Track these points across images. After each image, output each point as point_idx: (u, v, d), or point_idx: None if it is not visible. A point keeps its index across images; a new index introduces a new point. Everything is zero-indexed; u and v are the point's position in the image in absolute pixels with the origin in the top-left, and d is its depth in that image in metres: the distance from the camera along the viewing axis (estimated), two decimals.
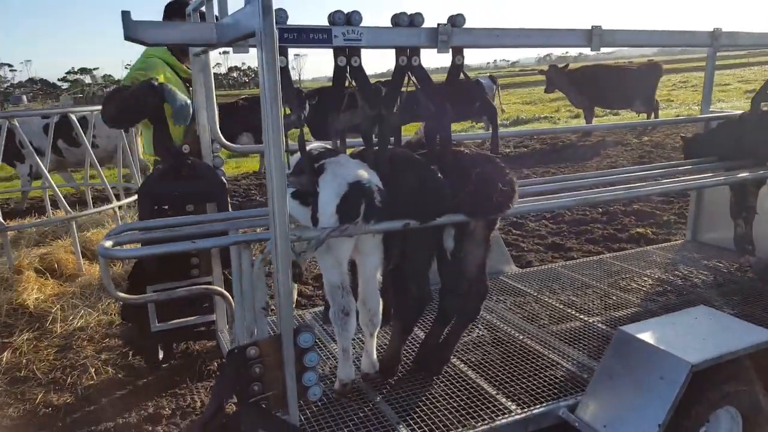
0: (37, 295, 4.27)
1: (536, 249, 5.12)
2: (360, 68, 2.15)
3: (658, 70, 11.96)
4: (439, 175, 2.16)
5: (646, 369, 2.02)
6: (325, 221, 1.97)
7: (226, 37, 1.80)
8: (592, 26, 2.33)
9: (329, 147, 2.40)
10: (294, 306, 2.48)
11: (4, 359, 3.53)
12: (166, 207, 2.48)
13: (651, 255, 4.07)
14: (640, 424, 1.94)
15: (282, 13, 1.93)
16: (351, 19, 2.01)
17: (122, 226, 2.17)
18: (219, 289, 2.55)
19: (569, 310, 3.14)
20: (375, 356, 2.41)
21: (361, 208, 1.90)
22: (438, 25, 2.12)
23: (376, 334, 2.36)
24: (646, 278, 3.60)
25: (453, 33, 2.14)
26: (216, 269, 2.76)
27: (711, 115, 3.59)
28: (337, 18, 2.00)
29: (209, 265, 2.72)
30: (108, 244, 1.91)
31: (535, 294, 3.39)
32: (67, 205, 5.00)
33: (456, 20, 2.13)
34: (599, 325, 2.94)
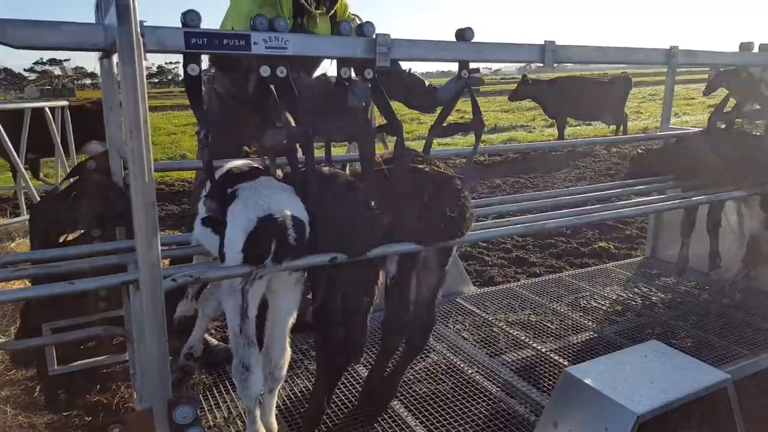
0: None
1: (500, 263, 4.96)
2: (287, 79, 1.94)
3: (629, 83, 12.07)
4: (372, 201, 1.94)
5: (591, 417, 1.86)
6: (231, 260, 1.71)
7: (111, 40, 1.56)
8: (545, 41, 2.16)
9: (254, 164, 2.16)
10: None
11: None
12: (64, 233, 2.15)
13: (611, 273, 3.95)
14: None
15: (193, 15, 1.72)
16: (275, 24, 1.81)
17: None
18: (120, 330, 2.23)
19: (523, 337, 2.98)
20: (273, 418, 2.06)
21: (272, 247, 1.65)
22: (377, 35, 1.93)
23: (276, 390, 2.02)
24: (604, 299, 3.47)
25: (394, 44, 1.95)
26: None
27: (669, 132, 3.48)
28: (259, 23, 1.79)
29: (119, 297, 2.41)
30: None
31: (490, 318, 3.22)
32: None
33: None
34: (552, 355, 2.78)
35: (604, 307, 3.34)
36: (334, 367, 2.13)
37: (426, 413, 2.32)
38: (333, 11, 2.77)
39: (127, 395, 2.99)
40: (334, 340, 2.04)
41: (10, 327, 3.85)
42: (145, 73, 1.49)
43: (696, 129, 3.59)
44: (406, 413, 2.33)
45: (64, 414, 2.91)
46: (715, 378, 1.94)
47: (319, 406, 2.18)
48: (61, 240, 2.19)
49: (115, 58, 2.08)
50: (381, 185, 1.97)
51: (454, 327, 3.12)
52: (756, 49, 2.84)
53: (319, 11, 2.66)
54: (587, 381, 1.91)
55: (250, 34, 1.77)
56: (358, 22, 2.85)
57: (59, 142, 5.91)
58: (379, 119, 2.18)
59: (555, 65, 2.29)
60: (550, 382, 2.52)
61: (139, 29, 1.35)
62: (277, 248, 1.65)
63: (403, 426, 2.24)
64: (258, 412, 1.93)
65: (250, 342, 1.78)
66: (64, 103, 6.18)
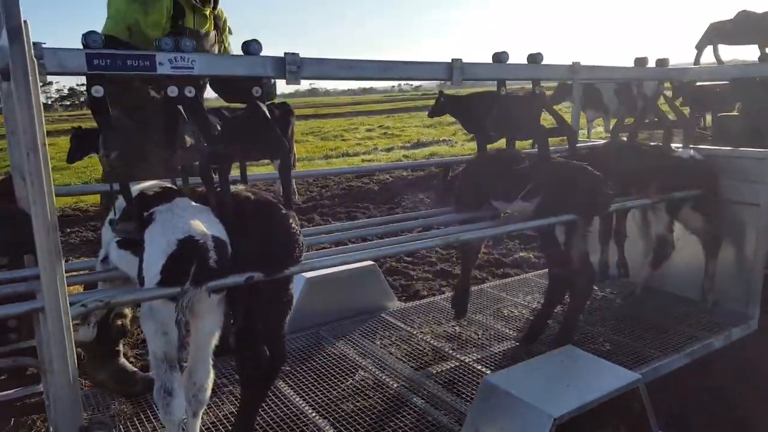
0: None
1: (425, 277, 5.04)
2: (195, 99, 1.90)
3: (543, 97, 12.58)
4: (292, 220, 1.94)
5: (510, 422, 1.92)
6: (150, 283, 1.67)
7: (3, 64, 1.48)
8: (452, 59, 2.25)
9: (167, 185, 2.10)
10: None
11: None
12: None
13: (531, 282, 4.11)
14: None
15: (95, 36, 1.66)
16: (180, 45, 1.78)
17: None
18: (31, 360, 2.11)
19: (447, 349, 3.03)
20: None
21: (191, 270, 1.61)
22: (285, 54, 1.94)
23: (200, 414, 1.95)
24: (525, 308, 3.60)
25: (303, 63, 1.96)
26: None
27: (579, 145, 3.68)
28: (164, 44, 1.75)
29: (31, 327, 2.27)
30: None
31: (414, 331, 3.26)
32: None
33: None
34: (475, 365, 2.84)
35: (525, 316, 3.46)
36: (258, 386, 2.08)
37: (353, 430, 2.30)
38: (216, 10, 2.71)
39: (44, 429, 2.80)
40: (257, 360, 2.01)
41: None
42: (41, 94, 1.43)
43: (602, 141, 3.85)
44: (327, 426, 2.31)
45: None
46: (627, 379, 2.06)
47: (247, 428, 2.12)
48: None
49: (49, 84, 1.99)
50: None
51: (380, 342, 3.13)
52: (651, 64, 3.08)
53: (206, 9, 2.59)
54: (505, 387, 1.97)
55: (155, 54, 1.73)
56: (230, 34, 2.87)
57: None
58: None
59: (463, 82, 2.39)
60: (474, 392, 2.57)
61: (32, 51, 1.29)
62: (197, 270, 1.62)
63: None
64: None
65: (173, 366, 1.74)
66: None
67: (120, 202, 1.90)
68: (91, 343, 2.24)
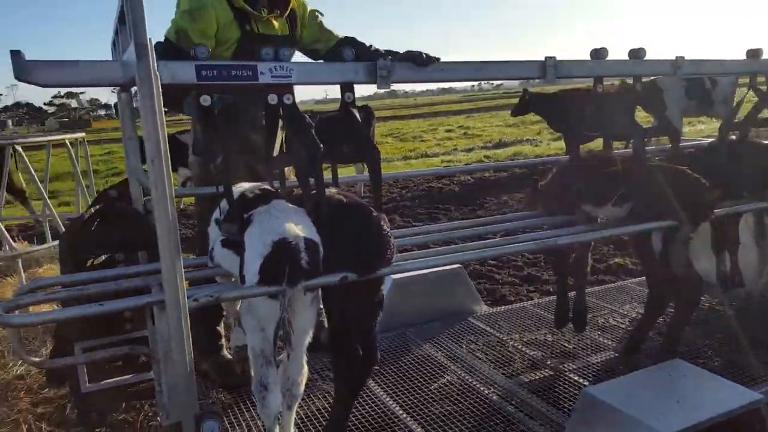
0: None
1: (511, 282, 4.91)
2: (293, 106, 1.97)
3: (639, 94, 11.85)
4: (383, 222, 1.95)
5: None
6: (249, 282, 1.76)
7: (130, 76, 1.60)
8: (546, 57, 2.18)
9: (266, 187, 2.19)
10: None
11: None
12: (91, 258, 2.24)
13: (629, 290, 3.89)
14: None
15: (202, 49, 1.76)
16: (279, 54, 1.85)
17: (29, 284, 1.94)
18: (145, 349, 2.29)
19: (540, 357, 2.93)
20: None
21: (286, 270, 1.68)
22: (377, 60, 1.97)
23: (294, 407, 2.02)
24: (623, 317, 3.41)
25: (394, 68, 1.98)
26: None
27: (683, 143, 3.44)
28: (265, 54, 1.83)
29: (143, 318, 2.48)
30: (2, 309, 1.67)
31: (504, 337, 3.18)
32: (11, 241, 4.70)
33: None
34: (571, 375, 2.73)
35: (623, 326, 3.28)
36: (351, 385, 2.12)
37: None
38: (289, 11, 2.73)
39: (151, 413, 3.02)
40: (350, 359, 2.05)
41: (41, 348, 3.94)
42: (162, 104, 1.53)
43: (708, 140, 3.56)
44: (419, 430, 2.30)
45: (96, 431, 2.97)
46: (748, 398, 1.89)
47: (340, 424, 2.16)
48: (88, 264, 2.27)
49: (133, 91, 2.16)
50: None
51: (468, 347, 3.08)
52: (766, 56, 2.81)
53: (274, 15, 2.64)
54: (608, 400, 1.87)
55: (257, 64, 1.82)
56: (320, 18, 2.88)
57: (79, 172, 6.03)
58: None
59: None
60: (571, 403, 2.47)
61: (156, 65, 1.39)
62: (291, 271, 1.68)
63: None
64: (277, 430, 1.95)
65: (269, 361, 1.84)
66: (82, 134, 6.35)
67: (224, 203, 2.01)
68: (197, 335, 2.40)
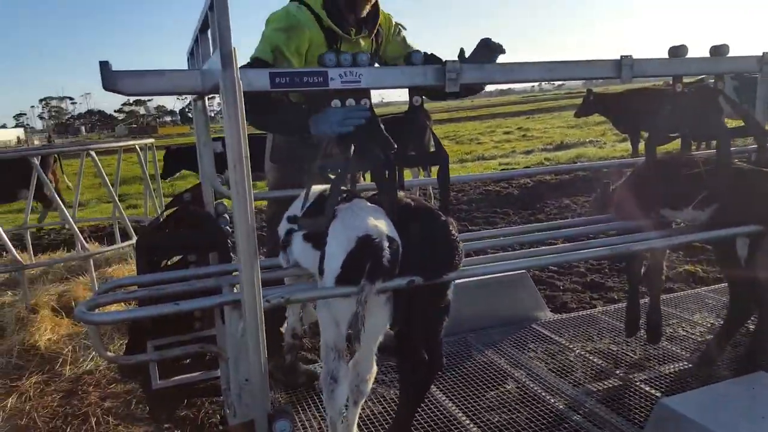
0: (50, 335, 4.15)
1: (573, 288, 4.76)
2: (370, 110, 2.01)
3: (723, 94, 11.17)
4: (452, 227, 1.95)
5: None
6: (330, 275, 1.80)
7: (211, 84, 1.68)
8: (621, 56, 2.11)
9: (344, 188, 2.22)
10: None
11: (9, 405, 3.45)
12: (165, 259, 2.35)
13: (701, 298, 3.71)
14: None
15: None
16: (341, 60, 1.87)
17: (108, 284, 2.06)
18: (214, 347, 2.38)
19: (607, 366, 2.84)
20: (355, 429, 2.11)
21: (366, 267, 1.70)
22: (446, 62, 1.97)
23: (360, 404, 2.06)
24: (695, 326, 3.25)
25: (463, 70, 1.98)
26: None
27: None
28: (327, 60, 1.86)
29: (212, 317, 2.57)
30: (84, 307, 1.78)
31: (570, 345, 3.10)
32: (83, 242, 4.97)
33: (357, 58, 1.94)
34: (641, 385, 2.63)
35: (695, 336, 3.13)
36: (416, 389, 2.13)
37: None
38: (376, 30, 2.73)
39: (211, 411, 3.13)
40: (416, 362, 2.05)
41: (110, 345, 4.15)
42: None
43: None
44: None
45: (165, 426, 3.11)
46: None
47: (404, 428, 2.17)
48: (162, 265, 2.38)
49: (211, 98, 2.26)
50: None
51: (532, 354, 3.03)
52: None
53: (362, 35, 2.64)
54: (686, 413, 1.79)
55: (327, 70, 1.86)
56: (404, 33, 2.87)
57: (148, 176, 6.34)
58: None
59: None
60: (642, 414, 2.37)
61: (239, 74, 1.45)
62: (372, 268, 1.71)
63: None
64: (340, 425, 2.01)
65: (340, 355, 1.89)
66: (151, 140, 6.67)
67: (297, 203, 2.10)
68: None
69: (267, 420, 1.51)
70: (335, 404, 1.94)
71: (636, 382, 2.66)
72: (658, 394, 2.52)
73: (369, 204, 1.97)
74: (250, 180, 1.50)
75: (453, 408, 2.53)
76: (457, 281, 3.22)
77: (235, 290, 1.94)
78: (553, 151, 15.47)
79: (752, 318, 2.69)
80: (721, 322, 2.85)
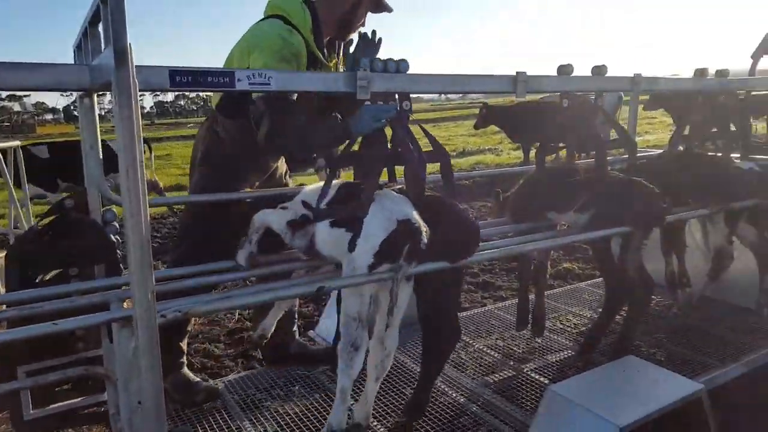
0: None
1: (466, 289, 5.02)
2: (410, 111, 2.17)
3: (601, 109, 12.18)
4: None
5: (576, 431, 1.92)
6: (367, 254, 1.90)
7: (101, 81, 1.58)
8: (517, 72, 2.29)
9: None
10: None
11: None
12: (41, 274, 2.08)
13: (580, 292, 4.07)
14: None
15: None
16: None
17: None
18: (102, 370, 2.15)
19: (501, 358, 3.04)
20: (371, 404, 2.29)
21: (405, 248, 1.88)
22: (357, 70, 2.01)
23: (380, 381, 2.20)
24: (578, 317, 3.57)
25: (373, 79, 2.03)
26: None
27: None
28: None
29: (98, 336, 2.35)
30: None
31: (467, 340, 3.27)
32: None
33: (400, 65, 2.08)
34: (531, 374, 2.85)
35: (577, 326, 3.43)
36: (437, 357, 2.39)
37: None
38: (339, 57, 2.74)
39: None
40: (438, 332, 2.28)
41: None
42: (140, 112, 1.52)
43: (656, 151, 3.78)
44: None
45: None
46: (690, 389, 2.05)
47: (427, 394, 2.43)
48: (37, 281, 2.15)
49: (103, 96, 2.10)
50: None
51: None
52: (712, 75, 3.05)
53: (332, 61, 2.65)
54: (571, 397, 1.98)
55: (234, 71, 1.83)
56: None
57: (11, 182, 5.72)
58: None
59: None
60: (533, 401, 2.57)
61: (134, 71, 1.38)
62: (411, 248, 1.90)
63: None
64: (349, 394, 2.11)
65: (364, 326, 1.99)
66: (17, 143, 6.05)
67: (310, 194, 2.20)
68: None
69: None
70: (353, 372, 2.03)
71: (526, 371, 2.88)
72: (547, 381, 2.74)
73: (398, 194, 2.12)
74: (144, 185, 1.43)
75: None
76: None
77: (125, 305, 1.82)
78: (456, 158, 16.11)
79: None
80: (598, 314, 3.16)
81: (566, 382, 2.15)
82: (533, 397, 2.62)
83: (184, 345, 2.88)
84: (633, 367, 2.22)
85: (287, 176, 3.03)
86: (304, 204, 2.15)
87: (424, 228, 1.93)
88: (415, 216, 1.95)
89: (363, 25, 2.65)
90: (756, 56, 4.88)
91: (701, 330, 3.28)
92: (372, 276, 1.89)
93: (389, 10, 2.66)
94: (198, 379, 2.86)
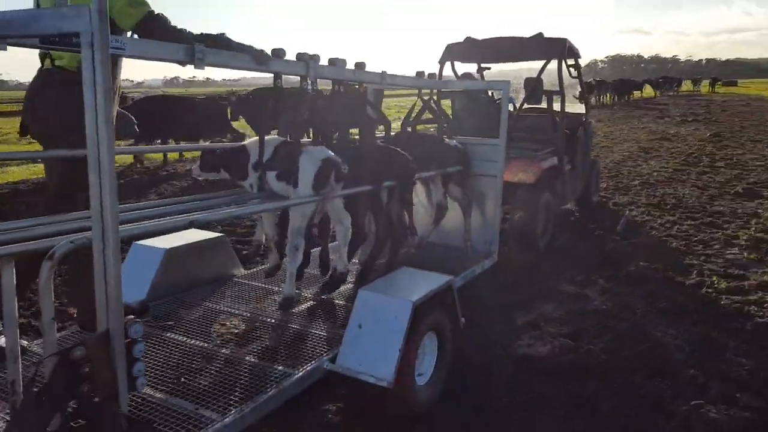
0: None
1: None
2: None
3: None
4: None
5: (383, 312, 2.71)
6: (305, 185, 3.05)
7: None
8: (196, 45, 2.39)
9: (286, 140, 3.33)
10: None
11: None
12: None
13: None
14: (385, 353, 2.62)
15: None
16: None
17: None
18: None
19: (308, 295, 3.69)
20: (346, 259, 3.61)
21: (332, 175, 3.05)
22: (195, 44, 2.38)
23: (348, 241, 3.57)
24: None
25: (206, 53, 2.43)
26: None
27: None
28: None
29: None
30: None
31: (270, 287, 3.80)
32: None
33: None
34: (338, 300, 3.62)
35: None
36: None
37: (261, 351, 2.84)
38: None
39: None
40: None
41: None
42: None
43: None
44: (248, 355, 2.82)
45: None
46: (445, 279, 3.09)
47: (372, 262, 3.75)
48: None
49: None
50: None
51: (238, 299, 3.62)
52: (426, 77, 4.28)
53: None
54: (376, 292, 2.82)
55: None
56: None
57: None
58: None
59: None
60: (344, 318, 3.33)
61: None
62: (336, 175, 3.09)
63: (248, 362, 2.74)
64: (295, 275, 3.39)
65: (303, 235, 3.28)
66: None
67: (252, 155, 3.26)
68: None
69: (123, 327, 1.70)
70: (296, 263, 3.34)
71: (333, 300, 3.62)
72: (345, 303, 3.54)
73: (317, 146, 3.25)
74: (111, 119, 1.64)
75: (191, 345, 2.93)
76: (170, 247, 3.53)
77: None
78: None
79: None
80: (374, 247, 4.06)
81: (371, 284, 2.98)
82: (343, 315, 3.39)
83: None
84: (408, 273, 3.19)
85: None
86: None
87: (341, 161, 3.08)
88: (333, 155, 3.07)
89: None
90: (442, 62, 6.58)
91: (434, 260, 4.42)
92: (316, 197, 3.07)
93: None
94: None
